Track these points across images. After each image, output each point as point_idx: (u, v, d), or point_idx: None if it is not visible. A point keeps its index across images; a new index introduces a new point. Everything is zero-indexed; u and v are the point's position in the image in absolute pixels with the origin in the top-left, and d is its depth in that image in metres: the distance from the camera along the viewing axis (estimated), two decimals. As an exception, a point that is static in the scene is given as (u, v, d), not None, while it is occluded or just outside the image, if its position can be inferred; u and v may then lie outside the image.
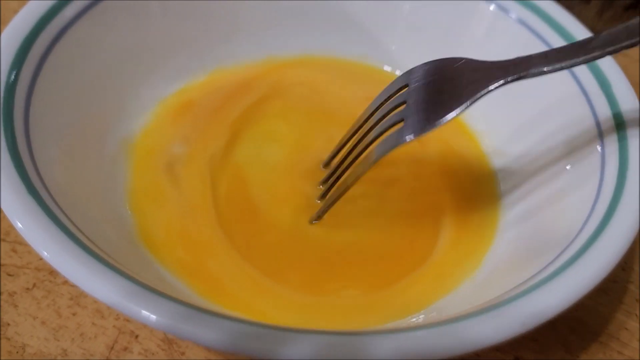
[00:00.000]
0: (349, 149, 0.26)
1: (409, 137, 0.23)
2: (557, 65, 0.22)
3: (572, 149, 0.26)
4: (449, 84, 0.23)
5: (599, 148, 0.25)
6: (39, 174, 0.22)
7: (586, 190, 0.24)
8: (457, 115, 0.22)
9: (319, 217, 0.27)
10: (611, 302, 0.27)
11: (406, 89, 0.24)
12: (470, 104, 0.22)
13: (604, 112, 0.25)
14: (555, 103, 0.28)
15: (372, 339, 0.18)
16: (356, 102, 0.32)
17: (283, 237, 0.27)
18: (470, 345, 0.18)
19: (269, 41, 0.33)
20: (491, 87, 0.22)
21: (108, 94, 0.29)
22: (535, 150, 0.28)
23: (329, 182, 0.27)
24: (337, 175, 0.27)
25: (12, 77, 0.23)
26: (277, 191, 0.28)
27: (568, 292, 0.19)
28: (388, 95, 0.25)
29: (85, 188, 0.25)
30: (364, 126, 0.26)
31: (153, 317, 0.18)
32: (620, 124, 0.25)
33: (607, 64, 0.27)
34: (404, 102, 0.24)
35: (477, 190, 0.29)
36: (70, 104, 0.26)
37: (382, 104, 0.25)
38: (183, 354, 0.24)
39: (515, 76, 0.22)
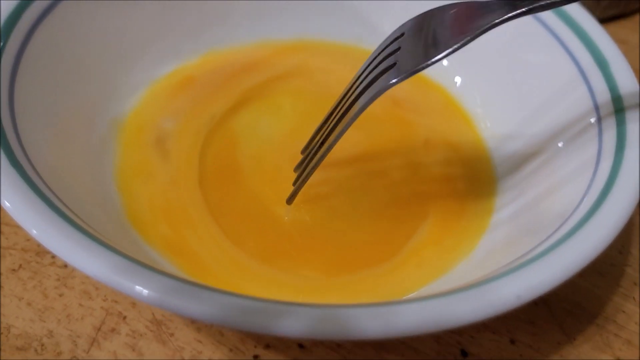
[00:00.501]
0: (330, 126, 0.25)
1: (399, 78, 0.21)
2: None
3: (569, 130, 0.26)
4: (448, 24, 0.22)
5: (596, 129, 0.24)
6: (25, 153, 0.22)
7: (583, 171, 0.23)
8: (459, 48, 0.21)
9: (293, 196, 0.26)
10: (608, 285, 0.26)
11: (399, 39, 0.23)
12: (474, 37, 0.21)
13: (603, 93, 0.25)
14: (552, 85, 0.27)
15: (361, 312, 0.17)
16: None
17: (264, 216, 0.26)
18: (465, 318, 0.17)
19: (263, 24, 0.33)
20: (497, 20, 0.21)
21: (98, 74, 0.28)
22: (532, 132, 0.28)
23: (306, 159, 0.25)
24: (315, 147, 0.25)
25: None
26: (264, 169, 0.28)
27: (563, 267, 0.19)
28: (374, 58, 0.24)
29: (74, 168, 0.25)
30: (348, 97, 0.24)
31: (145, 291, 0.18)
32: (618, 106, 0.24)
33: (607, 45, 0.26)
34: (396, 51, 0.23)
35: (473, 172, 0.28)
36: (58, 84, 0.26)
37: (367, 69, 0.24)
38: (172, 334, 0.24)
39: (523, 9, 0.21)
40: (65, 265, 0.25)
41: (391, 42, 0.23)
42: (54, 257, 0.26)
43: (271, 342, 0.24)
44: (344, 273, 0.25)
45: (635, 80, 0.25)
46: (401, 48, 0.22)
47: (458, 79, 0.31)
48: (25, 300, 0.24)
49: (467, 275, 0.23)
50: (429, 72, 0.32)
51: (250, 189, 0.27)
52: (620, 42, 0.40)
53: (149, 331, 0.24)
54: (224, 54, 0.32)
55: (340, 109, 0.24)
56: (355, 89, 0.23)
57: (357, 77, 0.24)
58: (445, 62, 0.31)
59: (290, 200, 0.26)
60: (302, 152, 0.27)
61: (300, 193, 0.26)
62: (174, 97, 0.30)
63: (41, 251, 0.26)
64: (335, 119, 0.24)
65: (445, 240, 0.26)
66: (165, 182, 0.27)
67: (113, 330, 0.24)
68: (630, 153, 0.22)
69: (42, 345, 0.23)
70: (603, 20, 0.40)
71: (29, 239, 0.26)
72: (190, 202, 0.26)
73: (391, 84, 0.21)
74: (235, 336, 0.24)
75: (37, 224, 0.19)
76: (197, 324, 0.24)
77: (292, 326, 0.17)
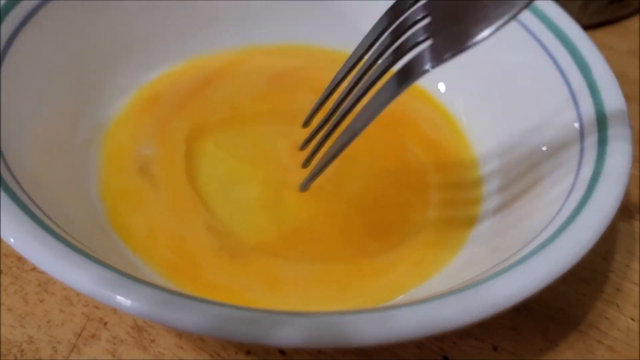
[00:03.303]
0: (342, 97, 0.23)
1: (437, 61, 0.18)
2: None
3: (552, 135, 0.26)
4: None
5: (578, 133, 0.24)
6: (4, 159, 0.22)
7: (565, 176, 0.23)
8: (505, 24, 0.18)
9: (308, 183, 0.24)
10: (592, 291, 0.26)
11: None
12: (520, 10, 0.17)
13: (585, 97, 0.25)
14: (536, 90, 0.27)
15: (358, 319, 0.17)
16: (337, 90, 0.32)
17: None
18: (441, 325, 0.17)
19: (248, 29, 0.33)
20: None
21: (81, 79, 0.28)
22: (516, 137, 0.28)
23: (314, 142, 0.24)
24: (324, 132, 0.23)
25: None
26: (256, 170, 0.28)
27: (540, 275, 0.18)
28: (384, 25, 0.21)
29: (56, 175, 0.25)
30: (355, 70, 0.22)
31: (134, 304, 0.17)
32: (600, 110, 0.24)
33: (589, 51, 0.26)
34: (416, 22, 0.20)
35: (458, 177, 0.28)
36: (41, 88, 0.26)
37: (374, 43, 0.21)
38: (153, 341, 0.23)
39: None
40: (47, 271, 0.25)
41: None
42: (35, 262, 0.25)
43: (252, 348, 0.23)
44: (341, 261, 0.25)
45: (617, 85, 0.25)
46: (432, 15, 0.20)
47: (442, 85, 0.32)
48: (5, 305, 0.24)
49: (449, 282, 0.23)
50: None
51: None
52: (606, 48, 0.40)
53: (129, 337, 0.24)
54: (209, 59, 0.32)
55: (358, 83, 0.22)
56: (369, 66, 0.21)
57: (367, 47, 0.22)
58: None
59: (305, 186, 0.25)
60: (311, 131, 0.25)
61: (295, 189, 0.26)
62: (153, 108, 0.30)
63: (22, 257, 0.25)
64: (359, 93, 0.22)
65: (430, 245, 0.26)
66: (158, 203, 0.26)
67: (93, 336, 0.23)
68: (612, 158, 0.22)
69: (22, 351, 0.23)
70: (590, 27, 0.40)
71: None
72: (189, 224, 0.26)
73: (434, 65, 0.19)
74: (216, 342, 0.24)
75: (14, 233, 0.19)
76: (178, 331, 0.24)
77: (287, 336, 0.17)
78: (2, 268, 0.25)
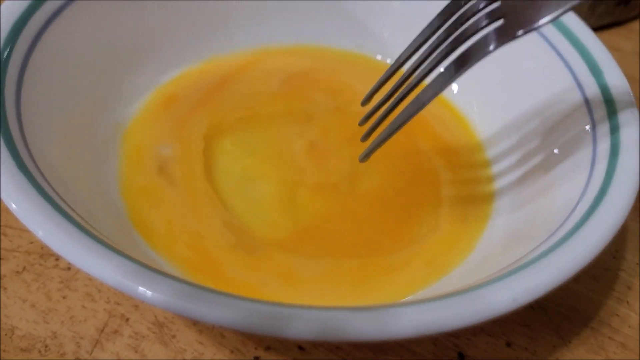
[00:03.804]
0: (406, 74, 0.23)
1: (508, 38, 0.20)
2: None
3: (564, 136, 0.26)
4: None
5: (590, 134, 0.25)
6: (32, 155, 0.22)
7: (578, 175, 0.24)
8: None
9: (369, 153, 0.25)
10: (602, 289, 0.27)
11: None
12: None
13: (596, 99, 0.26)
14: (547, 91, 0.28)
15: (360, 316, 0.18)
16: (350, 92, 0.32)
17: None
18: (461, 322, 0.18)
19: (262, 30, 0.33)
20: None
21: (103, 79, 0.29)
22: (528, 138, 0.28)
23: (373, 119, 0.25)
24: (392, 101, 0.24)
25: (5, 54, 0.23)
26: (272, 168, 0.29)
27: (559, 271, 0.19)
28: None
29: (78, 171, 0.25)
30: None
31: (150, 293, 0.18)
32: (612, 111, 0.25)
33: (600, 53, 0.27)
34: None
35: (471, 176, 0.29)
36: (65, 87, 0.26)
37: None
38: (174, 336, 0.24)
39: None
40: (69, 268, 0.26)
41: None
42: (57, 259, 0.26)
43: (271, 344, 0.24)
44: (355, 258, 0.26)
45: (628, 86, 0.26)
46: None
47: (455, 86, 0.32)
48: (29, 302, 0.25)
49: (463, 280, 0.23)
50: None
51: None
52: (614, 49, 0.41)
53: (151, 333, 0.24)
54: (224, 60, 0.33)
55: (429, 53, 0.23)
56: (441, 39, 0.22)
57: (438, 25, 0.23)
58: (442, 69, 0.31)
59: (365, 157, 0.25)
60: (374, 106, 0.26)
61: (310, 188, 0.27)
62: (171, 108, 0.30)
63: (45, 253, 0.26)
64: (430, 62, 0.23)
65: (447, 241, 0.26)
66: (178, 203, 0.27)
67: (116, 332, 0.24)
68: (624, 158, 0.23)
69: (46, 346, 0.23)
70: (598, 28, 0.41)
71: (32, 241, 0.26)
72: (207, 223, 0.26)
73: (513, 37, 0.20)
74: (236, 338, 0.24)
75: (42, 225, 0.19)
76: (199, 326, 0.24)
77: (297, 329, 0.17)
78: (25, 265, 0.26)
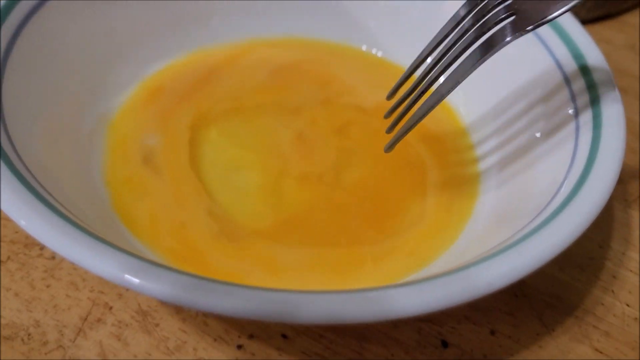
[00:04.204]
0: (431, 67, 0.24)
1: (520, 32, 0.22)
2: None
3: (547, 119, 0.26)
4: None
5: (572, 113, 0.25)
6: (14, 146, 0.22)
7: (560, 160, 0.24)
8: None
9: (394, 144, 0.26)
10: (588, 278, 0.27)
11: None
12: None
13: (577, 79, 0.26)
14: (529, 75, 0.28)
15: (351, 298, 0.18)
16: (338, 83, 0.32)
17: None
18: (437, 304, 0.18)
19: (250, 22, 0.33)
20: None
21: (86, 71, 0.29)
22: (511, 123, 0.28)
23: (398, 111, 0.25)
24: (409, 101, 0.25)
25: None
26: (257, 158, 0.29)
27: (534, 255, 0.19)
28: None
29: (62, 164, 0.25)
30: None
31: (152, 286, 0.18)
32: (593, 91, 0.25)
33: (581, 38, 0.27)
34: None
35: (455, 163, 0.29)
36: (47, 80, 0.27)
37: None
38: (157, 325, 0.24)
39: None
40: (53, 257, 0.26)
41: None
42: (42, 248, 0.26)
43: (255, 332, 0.24)
44: (338, 247, 0.26)
45: (608, 67, 0.26)
46: None
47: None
48: (12, 290, 0.25)
49: (450, 264, 0.23)
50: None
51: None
52: (605, 42, 0.41)
53: (134, 321, 0.24)
54: (211, 52, 0.33)
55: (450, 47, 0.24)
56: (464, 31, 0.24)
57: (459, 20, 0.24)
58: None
59: (390, 147, 0.26)
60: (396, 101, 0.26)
61: (295, 178, 0.28)
62: (156, 100, 0.30)
63: (29, 243, 0.26)
64: (443, 65, 0.24)
65: (431, 229, 0.26)
66: (164, 194, 0.27)
67: (99, 320, 0.24)
68: (606, 138, 0.23)
69: (29, 334, 0.23)
70: (589, 21, 0.41)
71: (17, 231, 0.26)
72: (192, 213, 0.27)
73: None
74: (219, 326, 0.24)
75: (25, 215, 0.19)
76: (182, 315, 0.24)
77: (309, 315, 0.18)
78: (9, 254, 0.26)
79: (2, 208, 0.20)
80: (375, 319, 0.18)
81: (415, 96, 0.24)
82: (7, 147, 0.22)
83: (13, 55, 0.25)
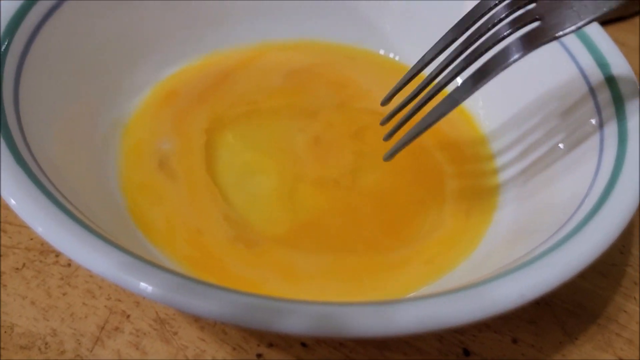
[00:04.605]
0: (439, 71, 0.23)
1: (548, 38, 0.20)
2: None
3: (570, 130, 0.26)
4: None
5: (597, 129, 0.24)
6: (30, 151, 0.22)
7: (584, 172, 0.23)
8: None
9: (395, 152, 0.25)
10: (610, 285, 0.26)
11: None
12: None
13: (604, 93, 0.25)
14: (554, 85, 0.27)
15: (362, 311, 0.17)
16: (353, 87, 0.32)
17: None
18: (467, 317, 0.17)
19: (264, 25, 0.33)
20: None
21: (101, 74, 0.28)
22: (533, 133, 0.28)
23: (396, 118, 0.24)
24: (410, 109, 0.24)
25: (3, 48, 0.23)
26: (273, 162, 0.28)
27: (566, 266, 0.19)
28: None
29: (78, 166, 0.25)
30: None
31: (150, 288, 0.18)
32: (619, 106, 0.24)
33: (606, 46, 0.27)
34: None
35: (475, 172, 0.29)
36: (62, 83, 0.26)
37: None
38: (175, 333, 0.24)
39: None
40: (69, 264, 0.25)
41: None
42: (57, 255, 0.26)
43: (274, 340, 0.24)
44: (355, 254, 0.25)
45: (634, 77, 0.25)
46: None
47: (459, 80, 0.32)
48: (28, 299, 0.24)
49: (469, 275, 0.23)
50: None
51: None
52: (619, 44, 0.40)
53: (152, 330, 0.24)
54: (226, 55, 0.32)
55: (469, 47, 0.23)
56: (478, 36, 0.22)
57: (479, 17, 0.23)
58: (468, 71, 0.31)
59: (389, 157, 0.25)
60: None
61: (311, 182, 0.27)
62: (171, 104, 0.30)
63: (45, 250, 0.26)
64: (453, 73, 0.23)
65: (449, 238, 0.26)
66: (179, 199, 0.27)
67: (117, 329, 0.24)
68: (632, 149, 0.22)
69: (46, 344, 0.23)
70: (602, 23, 0.40)
71: (32, 237, 0.26)
72: (209, 219, 0.26)
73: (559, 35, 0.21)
74: (238, 335, 0.24)
75: (42, 221, 0.19)
76: (200, 323, 0.24)
77: (294, 324, 0.17)
78: (24, 262, 0.25)
79: (19, 214, 0.19)
80: (392, 334, 0.17)
81: (420, 101, 0.23)
82: (24, 152, 0.22)
83: (30, 57, 0.24)
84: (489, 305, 0.18)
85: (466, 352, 0.24)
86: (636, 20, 0.42)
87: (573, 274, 0.18)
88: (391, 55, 0.34)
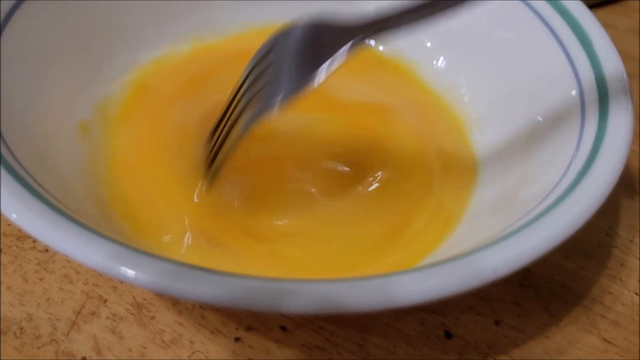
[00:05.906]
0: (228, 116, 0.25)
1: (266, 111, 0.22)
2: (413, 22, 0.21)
3: (552, 107, 0.25)
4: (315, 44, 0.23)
5: (579, 106, 0.24)
6: (4, 140, 0.22)
7: (564, 148, 0.23)
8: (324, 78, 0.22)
9: (209, 186, 0.26)
10: (595, 266, 0.26)
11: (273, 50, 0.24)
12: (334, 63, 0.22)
13: (586, 71, 0.25)
14: (536, 63, 0.27)
15: (356, 286, 0.17)
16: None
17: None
18: (442, 291, 0.17)
19: (250, 11, 0.33)
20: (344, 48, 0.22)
21: (78, 61, 0.28)
22: (515, 110, 0.27)
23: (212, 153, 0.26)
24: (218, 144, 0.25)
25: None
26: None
27: (540, 241, 0.18)
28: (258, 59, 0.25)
29: (55, 155, 0.25)
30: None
31: (142, 275, 0.17)
32: (601, 84, 0.24)
33: (589, 23, 0.26)
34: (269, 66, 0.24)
35: (454, 150, 0.28)
36: (39, 67, 0.26)
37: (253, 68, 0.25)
38: (153, 317, 0.23)
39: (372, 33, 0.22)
40: (46, 250, 0.25)
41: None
42: (34, 241, 0.25)
43: (253, 324, 0.23)
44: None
45: (619, 58, 0.25)
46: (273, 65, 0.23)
47: (442, 60, 0.31)
48: (5, 284, 0.24)
49: (452, 252, 0.22)
50: (411, 54, 0.31)
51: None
52: (609, 27, 0.40)
53: (129, 314, 0.23)
54: (210, 41, 0.32)
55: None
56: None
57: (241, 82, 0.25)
58: (428, 43, 0.31)
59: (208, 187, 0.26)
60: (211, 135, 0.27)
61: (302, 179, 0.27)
62: (151, 89, 0.30)
63: (22, 236, 0.25)
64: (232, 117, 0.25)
65: (430, 217, 0.26)
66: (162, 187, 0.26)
67: (93, 313, 0.23)
68: (613, 129, 0.22)
69: (21, 328, 0.23)
70: (593, 6, 0.40)
71: (9, 223, 0.26)
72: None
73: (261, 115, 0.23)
74: (216, 318, 0.23)
75: (16, 208, 0.19)
76: (178, 307, 0.24)
77: (295, 304, 0.17)
78: (1, 247, 0.25)
79: None
80: (376, 307, 0.17)
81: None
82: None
83: (2, 44, 0.24)
84: (465, 279, 0.17)
85: (448, 335, 0.24)
86: (628, 3, 0.42)
87: (548, 248, 0.18)
88: (380, 49, 0.33)
